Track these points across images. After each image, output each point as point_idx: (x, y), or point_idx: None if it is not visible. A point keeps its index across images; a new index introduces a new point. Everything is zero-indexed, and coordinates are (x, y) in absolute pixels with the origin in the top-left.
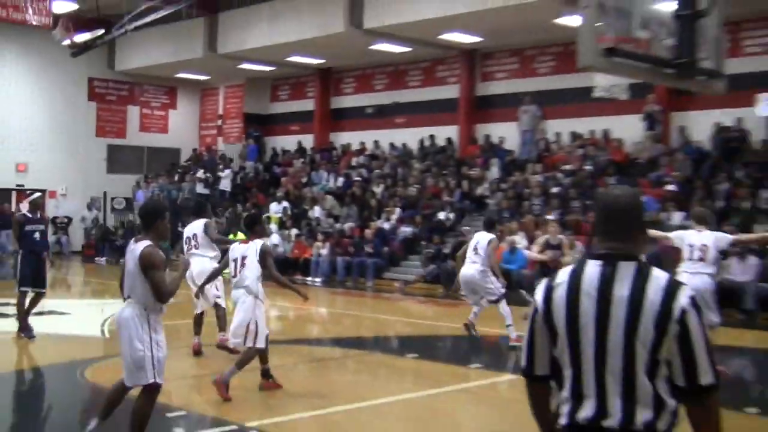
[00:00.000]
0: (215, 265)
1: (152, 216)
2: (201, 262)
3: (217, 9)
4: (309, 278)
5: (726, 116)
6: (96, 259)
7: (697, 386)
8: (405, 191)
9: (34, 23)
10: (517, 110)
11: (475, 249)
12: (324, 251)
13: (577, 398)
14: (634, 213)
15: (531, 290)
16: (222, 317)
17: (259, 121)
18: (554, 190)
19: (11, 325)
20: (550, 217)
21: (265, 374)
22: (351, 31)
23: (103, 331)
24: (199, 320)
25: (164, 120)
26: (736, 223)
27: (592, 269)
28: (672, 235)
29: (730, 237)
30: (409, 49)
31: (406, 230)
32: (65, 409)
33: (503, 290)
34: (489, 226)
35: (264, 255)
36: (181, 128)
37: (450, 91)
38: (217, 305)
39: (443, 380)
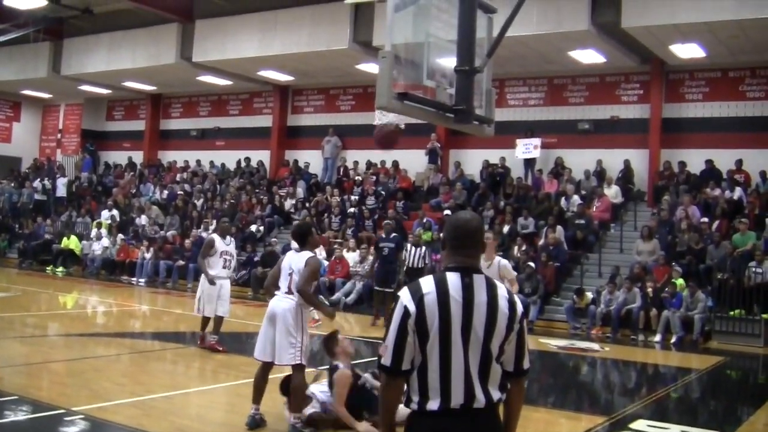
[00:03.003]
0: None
1: (305, 234)
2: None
3: (62, 35)
4: (134, 278)
5: (493, 155)
6: None
7: (522, 370)
8: (222, 205)
9: None
10: (321, 140)
11: None
12: (148, 255)
13: (446, 387)
14: (480, 234)
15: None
16: (220, 323)
17: (94, 136)
18: (351, 210)
19: None
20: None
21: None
22: (181, 63)
23: None
24: (206, 323)
25: (8, 131)
26: (501, 242)
27: (454, 279)
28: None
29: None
30: (231, 82)
31: None
32: None
33: None
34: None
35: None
36: (23, 139)
37: (264, 121)
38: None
39: (249, 371)
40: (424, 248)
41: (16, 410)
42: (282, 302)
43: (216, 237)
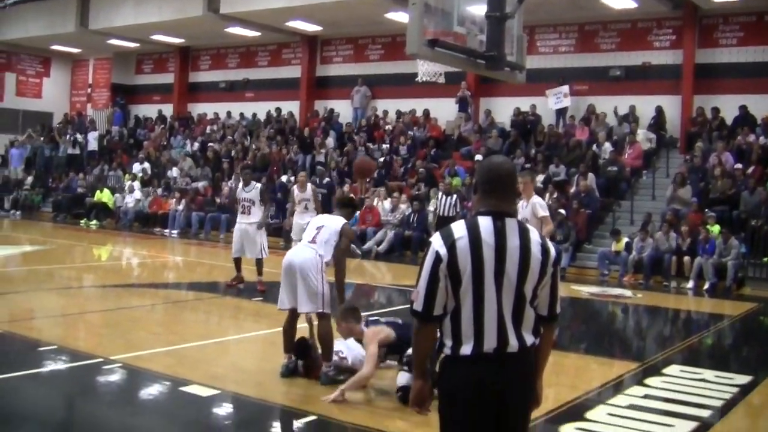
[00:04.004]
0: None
1: (349, 205)
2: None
3: None
4: (167, 230)
5: (523, 103)
6: None
7: (555, 315)
8: (255, 153)
9: None
10: (350, 90)
11: None
12: (180, 207)
13: (479, 331)
14: (513, 178)
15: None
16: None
17: (124, 90)
18: (381, 159)
19: None
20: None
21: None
22: (208, 16)
23: None
24: (237, 265)
25: (38, 86)
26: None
27: (486, 223)
28: None
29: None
30: (259, 33)
31: None
32: None
33: None
34: None
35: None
36: (53, 94)
37: (293, 72)
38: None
39: (281, 320)
40: (455, 196)
41: (56, 359)
42: (302, 252)
43: (238, 186)
